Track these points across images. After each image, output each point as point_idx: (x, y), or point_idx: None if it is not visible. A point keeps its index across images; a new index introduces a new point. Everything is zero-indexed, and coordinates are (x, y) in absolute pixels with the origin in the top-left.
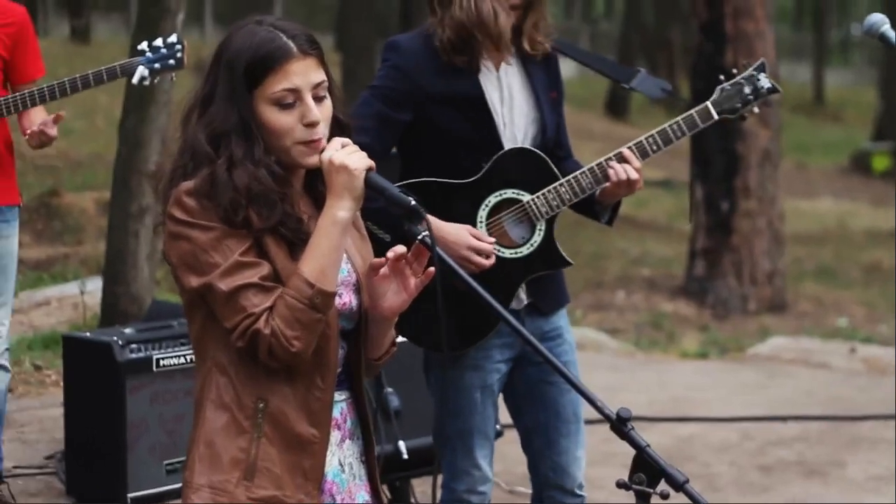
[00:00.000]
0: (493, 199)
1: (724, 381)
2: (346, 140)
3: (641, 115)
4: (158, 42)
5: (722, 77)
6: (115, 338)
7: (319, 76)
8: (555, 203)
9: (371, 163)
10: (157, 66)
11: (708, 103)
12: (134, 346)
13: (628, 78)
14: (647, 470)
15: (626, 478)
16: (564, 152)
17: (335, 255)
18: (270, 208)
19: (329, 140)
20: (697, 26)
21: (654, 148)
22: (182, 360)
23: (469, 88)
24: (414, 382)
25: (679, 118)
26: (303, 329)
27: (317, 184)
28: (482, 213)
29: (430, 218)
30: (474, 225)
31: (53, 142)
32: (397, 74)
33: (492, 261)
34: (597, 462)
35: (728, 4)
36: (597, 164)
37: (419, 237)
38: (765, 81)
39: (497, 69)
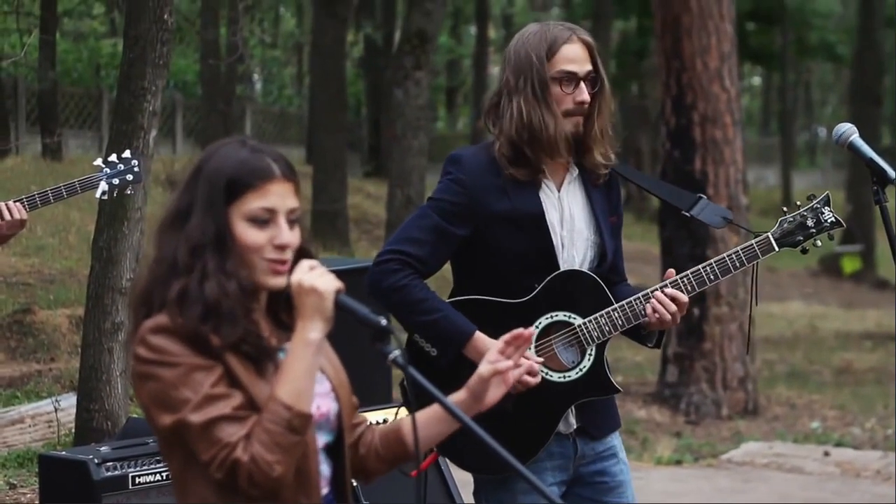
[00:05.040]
0: (543, 321)
1: (700, 487)
2: (315, 262)
3: None
4: (114, 158)
5: (784, 209)
6: (91, 456)
7: (295, 203)
8: (607, 328)
9: (340, 284)
10: (115, 181)
11: (769, 235)
12: (110, 463)
13: (689, 205)
14: None
15: None
16: (619, 277)
17: (309, 377)
18: (233, 325)
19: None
20: (666, 133)
21: (712, 277)
22: (158, 477)
23: (529, 206)
24: (390, 493)
25: (739, 248)
26: (283, 453)
27: (278, 310)
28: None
29: (478, 334)
30: None
31: (23, 225)
32: (458, 189)
33: (538, 379)
34: None
35: (696, 111)
36: (652, 291)
37: (391, 357)
38: (829, 215)
39: (559, 189)
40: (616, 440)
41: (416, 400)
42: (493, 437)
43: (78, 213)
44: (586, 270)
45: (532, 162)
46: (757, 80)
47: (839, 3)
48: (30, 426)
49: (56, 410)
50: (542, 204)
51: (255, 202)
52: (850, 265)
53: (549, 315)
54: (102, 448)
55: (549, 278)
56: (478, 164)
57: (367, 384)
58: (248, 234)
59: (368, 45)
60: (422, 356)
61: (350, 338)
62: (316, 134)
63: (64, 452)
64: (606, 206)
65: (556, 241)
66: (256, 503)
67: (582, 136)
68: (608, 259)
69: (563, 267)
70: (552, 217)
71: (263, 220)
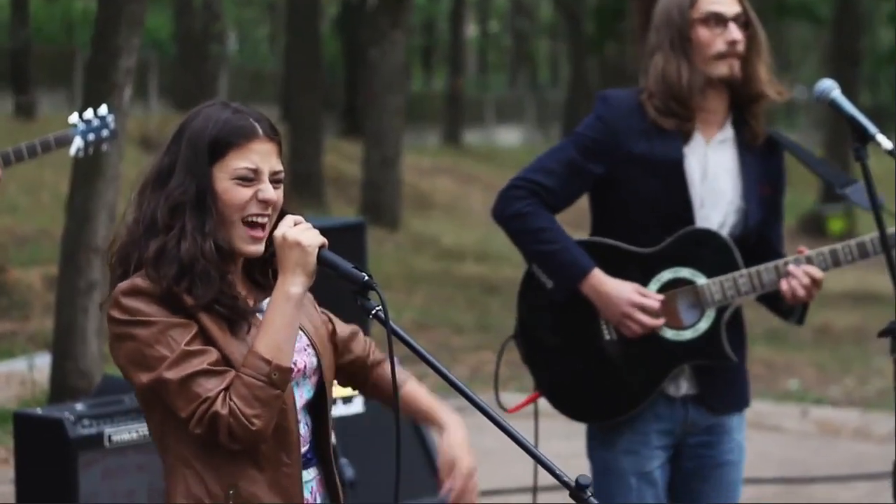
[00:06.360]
0: (666, 275)
1: None
2: (299, 217)
3: None
4: (89, 114)
5: None
6: (67, 413)
7: (278, 165)
8: (731, 293)
9: (323, 240)
10: (90, 136)
11: None
12: (85, 421)
13: (843, 185)
14: None
15: None
16: (768, 251)
17: (290, 331)
18: (207, 286)
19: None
20: None
21: (850, 258)
22: (134, 434)
23: (669, 153)
24: (369, 453)
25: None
26: (262, 406)
27: (254, 270)
28: (652, 287)
29: (596, 272)
30: None
31: None
32: (601, 126)
33: (659, 322)
34: None
35: None
36: (784, 262)
37: (372, 312)
38: None
39: (707, 143)
40: (737, 420)
41: (392, 349)
42: (596, 382)
43: (51, 173)
44: (721, 233)
45: (679, 113)
46: None
47: None
48: (3, 385)
49: (30, 369)
50: (684, 155)
51: (238, 162)
52: (836, 225)
53: (673, 269)
54: (78, 405)
55: (680, 232)
56: (626, 104)
57: None
58: (233, 191)
59: (344, 5)
60: (539, 289)
61: (327, 294)
62: (291, 94)
63: (39, 410)
64: (761, 174)
65: (694, 195)
66: (237, 460)
67: (746, 80)
68: (750, 228)
69: (700, 225)
70: (693, 171)
71: (248, 179)
